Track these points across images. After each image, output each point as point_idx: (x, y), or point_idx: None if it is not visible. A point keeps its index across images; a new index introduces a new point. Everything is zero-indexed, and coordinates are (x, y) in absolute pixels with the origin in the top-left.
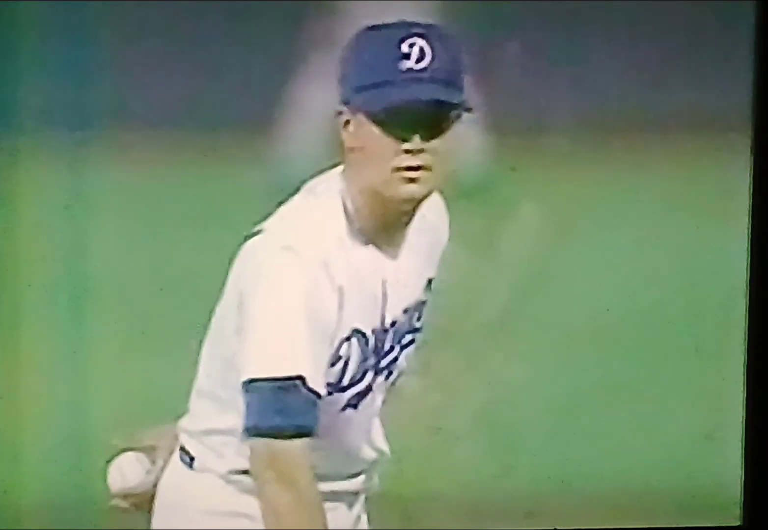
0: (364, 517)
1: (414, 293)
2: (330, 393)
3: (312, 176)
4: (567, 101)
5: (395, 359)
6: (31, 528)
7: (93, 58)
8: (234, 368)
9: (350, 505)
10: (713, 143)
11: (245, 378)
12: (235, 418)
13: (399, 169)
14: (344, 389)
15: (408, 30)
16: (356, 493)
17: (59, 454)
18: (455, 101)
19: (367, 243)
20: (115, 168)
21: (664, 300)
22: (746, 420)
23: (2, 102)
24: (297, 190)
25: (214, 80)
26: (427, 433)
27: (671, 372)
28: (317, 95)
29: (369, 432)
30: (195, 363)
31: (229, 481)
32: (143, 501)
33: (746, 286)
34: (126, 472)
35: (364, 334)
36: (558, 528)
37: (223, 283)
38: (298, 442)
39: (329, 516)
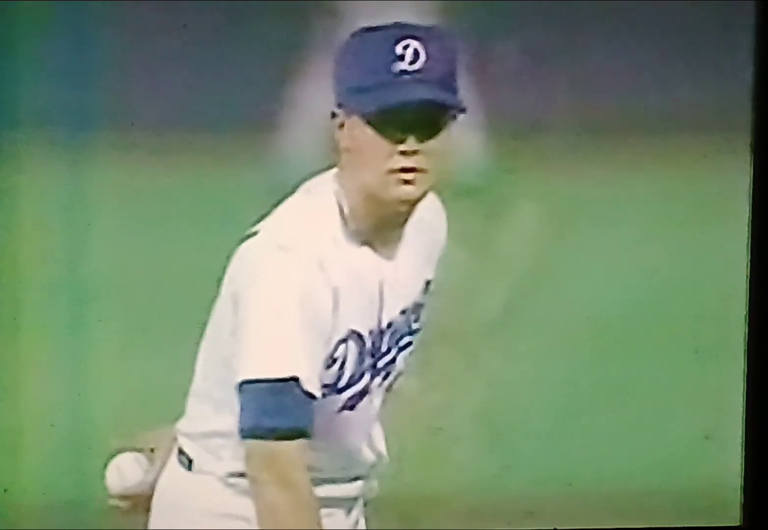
0: (362, 521)
1: (412, 294)
2: (326, 395)
3: (312, 176)
4: (566, 101)
5: (392, 361)
6: (31, 528)
7: (93, 59)
8: (231, 369)
9: (348, 511)
10: (713, 143)
11: (240, 379)
12: (233, 420)
13: (394, 170)
14: (341, 390)
15: (402, 32)
16: (355, 498)
17: (59, 454)
18: (449, 102)
19: (363, 244)
20: (115, 168)
21: (664, 301)
22: (746, 420)
23: (2, 102)
24: (295, 190)
25: (214, 80)
26: (427, 433)
27: (671, 373)
28: (317, 95)
29: (368, 434)
30: (195, 363)
31: (227, 484)
32: (142, 502)
33: (746, 286)
34: (125, 473)
35: (360, 336)
36: (558, 528)
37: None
38: (293, 443)
39: (327, 522)
